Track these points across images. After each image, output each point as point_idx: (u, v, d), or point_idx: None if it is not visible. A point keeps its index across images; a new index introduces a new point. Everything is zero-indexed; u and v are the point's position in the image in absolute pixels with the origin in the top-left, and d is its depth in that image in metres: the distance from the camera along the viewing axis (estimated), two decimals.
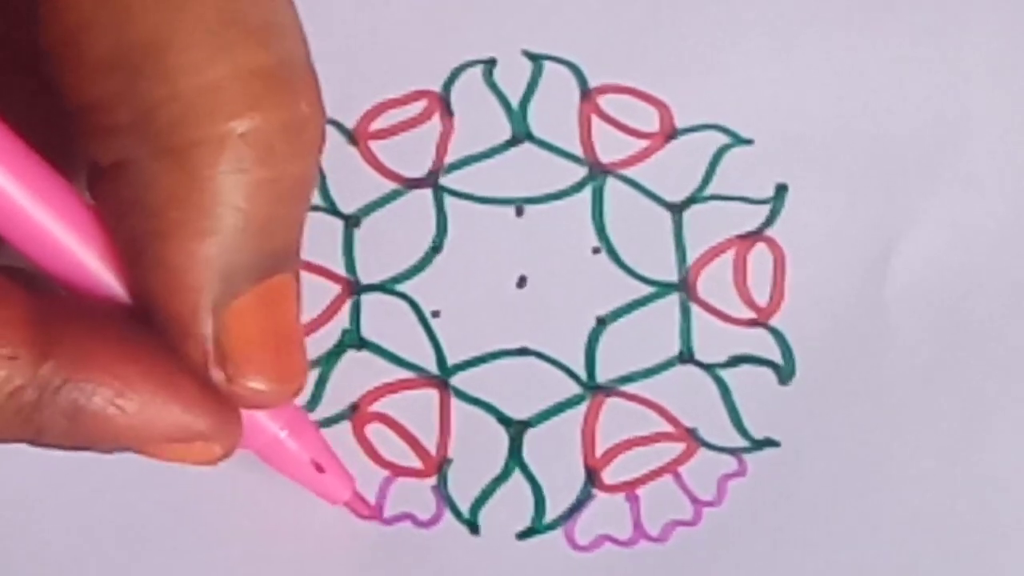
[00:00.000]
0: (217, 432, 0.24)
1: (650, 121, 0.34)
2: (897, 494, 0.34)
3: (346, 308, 0.34)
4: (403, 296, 0.34)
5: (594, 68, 0.34)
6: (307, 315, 0.34)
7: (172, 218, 0.22)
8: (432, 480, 0.34)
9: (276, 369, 0.24)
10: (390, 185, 0.34)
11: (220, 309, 0.23)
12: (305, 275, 0.34)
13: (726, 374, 0.34)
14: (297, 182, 0.23)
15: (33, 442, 0.24)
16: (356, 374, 0.34)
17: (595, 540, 0.34)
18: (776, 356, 0.34)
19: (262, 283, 0.23)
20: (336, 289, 0.34)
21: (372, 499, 0.34)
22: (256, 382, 0.24)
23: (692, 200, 0.34)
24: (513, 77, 0.34)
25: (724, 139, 0.34)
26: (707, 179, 0.34)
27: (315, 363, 0.34)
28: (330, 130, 0.34)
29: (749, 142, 0.34)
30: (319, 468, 0.30)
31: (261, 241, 0.23)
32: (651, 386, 0.34)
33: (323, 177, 0.34)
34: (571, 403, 0.34)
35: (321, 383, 0.34)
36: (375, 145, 0.34)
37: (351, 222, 0.34)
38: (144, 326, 0.23)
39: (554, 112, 0.34)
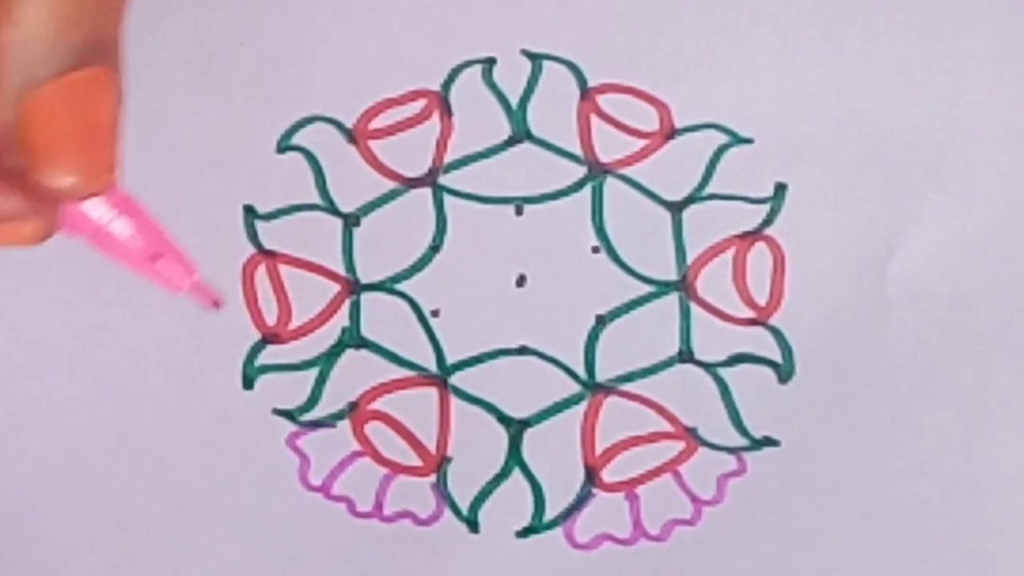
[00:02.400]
0: (28, 212, 0.24)
1: (649, 120, 0.34)
2: (896, 493, 0.34)
3: (345, 307, 0.34)
4: (402, 295, 0.34)
5: (593, 67, 0.34)
6: (307, 313, 0.34)
7: None
8: (432, 478, 0.34)
9: (78, 162, 0.23)
10: (389, 184, 0.34)
11: (21, 97, 0.22)
12: (305, 274, 0.34)
13: (726, 373, 0.34)
14: None
15: None
16: (356, 373, 0.34)
17: (595, 539, 0.34)
18: (776, 355, 0.34)
19: (68, 75, 0.23)
20: (335, 288, 0.34)
21: (372, 499, 0.34)
22: (55, 173, 0.23)
23: (691, 199, 0.34)
24: (512, 76, 0.34)
25: (723, 138, 0.34)
26: (706, 178, 0.34)
27: (314, 362, 0.34)
28: (330, 129, 0.34)
29: (749, 141, 0.34)
30: (155, 256, 0.29)
31: (67, 32, 0.23)
32: (651, 385, 0.34)
33: (323, 176, 0.34)
34: (571, 402, 0.34)
35: (321, 382, 0.34)
36: (375, 144, 0.34)
37: (350, 221, 0.34)
38: None
39: (553, 111, 0.34)
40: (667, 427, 0.34)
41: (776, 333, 0.34)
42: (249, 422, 0.34)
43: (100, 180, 0.24)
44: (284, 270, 0.34)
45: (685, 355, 0.34)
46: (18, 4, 0.22)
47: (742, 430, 0.34)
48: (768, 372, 0.34)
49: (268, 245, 0.34)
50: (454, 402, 0.34)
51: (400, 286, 0.34)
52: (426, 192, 0.34)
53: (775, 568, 0.34)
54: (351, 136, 0.34)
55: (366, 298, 0.34)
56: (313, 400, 0.34)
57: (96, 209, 0.27)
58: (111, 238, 0.29)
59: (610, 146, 0.34)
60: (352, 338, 0.34)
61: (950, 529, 0.33)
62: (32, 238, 0.25)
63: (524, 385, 0.34)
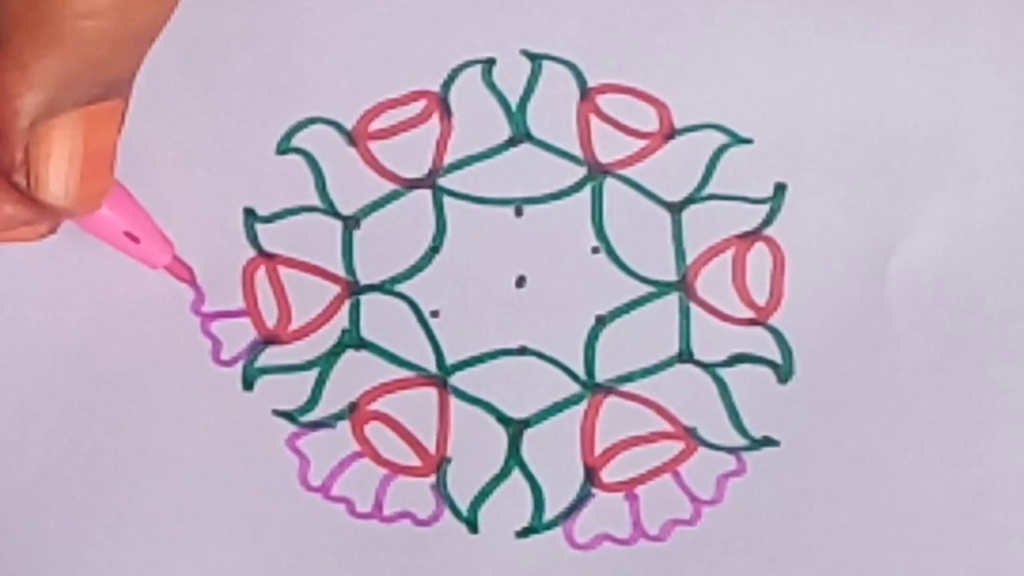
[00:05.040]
0: (36, 217, 0.26)
1: (649, 121, 0.34)
2: (896, 493, 0.34)
3: (345, 308, 0.34)
4: (402, 296, 0.34)
5: (593, 68, 0.34)
6: (306, 315, 0.34)
7: (14, 37, 0.23)
8: (431, 479, 0.34)
9: (75, 189, 0.25)
10: (389, 186, 0.34)
11: (38, 123, 0.24)
12: (304, 275, 0.34)
13: (725, 373, 0.34)
14: (147, 25, 0.24)
15: None
16: (355, 373, 0.34)
17: (594, 539, 0.34)
18: (775, 355, 0.34)
19: (84, 108, 0.24)
20: (335, 289, 0.34)
21: (372, 499, 0.34)
22: (54, 198, 0.25)
23: (691, 200, 0.34)
24: (512, 77, 0.34)
25: (723, 138, 0.34)
26: (706, 178, 0.34)
27: (314, 363, 0.34)
28: (329, 131, 0.34)
29: (748, 141, 0.34)
30: (134, 239, 0.32)
31: (97, 72, 0.24)
32: (650, 385, 0.34)
33: (322, 178, 0.34)
34: (570, 402, 0.34)
35: (320, 382, 0.34)
36: (374, 146, 0.34)
37: (350, 223, 0.34)
38: None
39: (553, 112, 0.34)
40: (667, 427, 0.34)
41: (776, 333, 0.34)
42: (249, 423, 0.34)
43: (95, 204, 0.26)
44: (284, 272, 0.34)
45: (685, 355, 0.34)
46: (51, 40, 0.23)
47: (742, 430, 0.34)
48: (768, 372, 0.34)
49: (268, 247, 0.34)
50: (454, 402, 0.34)
51: (400, 287, 0.34)
52: (426, 193, 0.34)
53: (775, 568, 0.34)
54: (351, 138, 0.34)
55: (366, 299, 0.34)
56: (313, 401, 0.34)
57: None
58: (100, 222, 0.31)
59: (610, 147, 0.34)
60: (352, 339, 0.34)
61: (951, 529, 0.34)
62: (41, 236, 0.28)
63: (524, 385, 0.34)
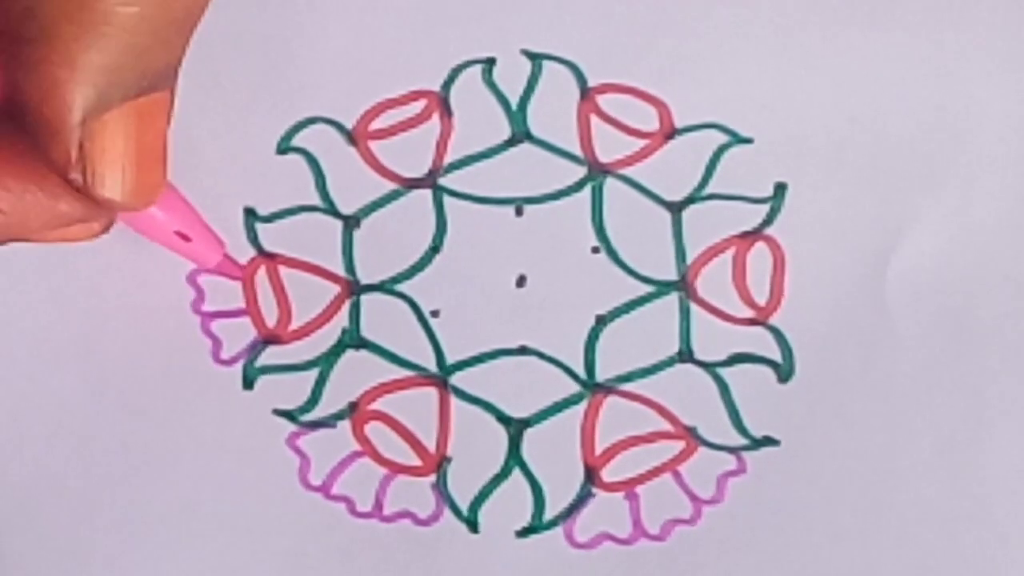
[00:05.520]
0: (92, 214, 0.26)
1: (649, 120, 0.34)
2: (897, 493, 0.34)
3: (345, 308, 0.34)
4: (402, 296, 0.34)
5: (593, 67, 0.34)
6: (307, 315, 0.34)
7: (60, 31, 0.23)
8: (431, 478, 0.34)
9: (132, 183, 0.25)
10: (389, 185, 0.34)
11: (90, 119, 0.24)
12: (305, 275, 0.34)
13: (725, 373, 0.34)
14: (187, 11, 0.24)
15: None
16: (355, 373, 0.34)
17: (594, 538, 0.34)
18: (776, 355, 0.34)
19: (134, 101, 0.24)
20: (336, 289, 0.34)
21: (372, 499, 0.34)
22: (111, 193, 0.25)
23: (691, 199, 0.34)
24: (512, 77, 0.34)
25: (723, 138, 0.34)
26: (706, 178, 0.34)
27: (315, 363, 0.34)
28: (329, 130, 0.34)
29: (748, 141, 0.34)
30: (186, 237, 0.32)
31: (143, 62, 0.24)
32: (650, 385, 0.34)
33: (323, 178, 0.34)
34: (570, 402, 0.34)
35: (321, 382, 0.34)
36: (374, 145, 0.34)
37: (351, 223, 0.34)
38: (12, 125, 0.24)
39: (553, 112, 0.34)
40: (667, 427, 0.34)
41: (776, 333, 0.34)
42: (249, 422, 0.34)
43: (152, 197, 0.26)
44: (284, 272, 0.34)
45: (685, 355, 0.34)
46: (96, 32, 0.23)
47: (742, 430, 0.34)
48: (768, 372, 0.34)
49: (268, 247, 0.34)
50: (454, 402, 0.34)
51: (400, 287, 0.34)
52: (426, 193, 0.34)
53: (775, 568, 0.34)
54: (351, 137, 0.34)
55: (366, 299, 0.34)
56: (313, 400, 0.34)
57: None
58: (152, 223, 0.31)
59: (610, 146, 0.34)
60: (352, 339, 0.34)
61: (951, 529, 0.34)
62: (95, 235, 0.28)
63: (524, 385, 0.34)
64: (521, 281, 0.34)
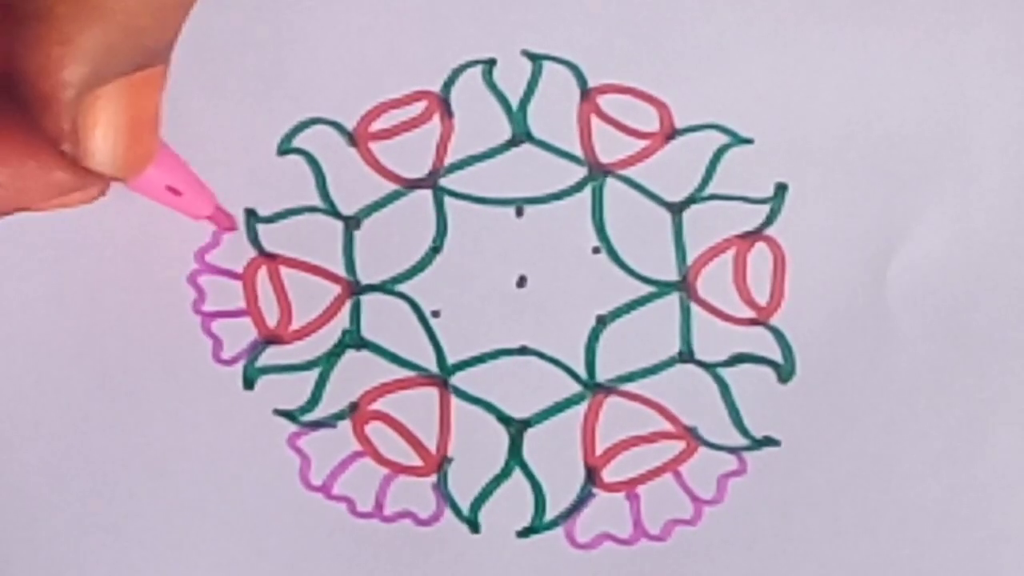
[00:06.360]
0: (85, 183, 0.26)
1: (650, 121, 0.34)
2: (897, 493, 0.34)
3: (346, 308, 0.34)
4: (403, 296, 0.34)
5: (594, 68, 0.34)
6: (307, 315, 0.34)
7: (58, 10, 0.23)
8: (432, 478, 0.34)
9: (123, 154, 0.25)
10: (390, 186, 0.34)
11: (84, 93, 0.24)
12: (305, 275, 0.34)
13: (726, 373, 0.34)
14: None
15: None
16: (356, 373, 0.34)
17: (595, 538, 0.34)
18: (776, 355, 0.34)
19: (128, 76, 0.25)
20: (336, 289, 0.34)
21: (372, 499, 0.34)
22: (102, 165, 0.25)
23: (692, 200, 0.34)
24: (513, 77, 0.34)
25: (724, 139, 0.34)
26: (707, 179, 0.34)
27: (315, 363, 0.34)
28: (330, 131, 0.34)
29: (749, 141, 0.34)
30: (177, 192, 0.32)
31: (138, 41, 0.24)
32: (651, 385, 0.34)
33: (323, 178, 0.34)
34: (571, 402, 0.34)
35: (321, 382, 0.34)
36: (375, 146, 0.34)
37: (351, 224, 0.34)
38: (9, 98, 0.24)
39: (554, 112, 0.34)
40: (667, 427, 0.34)
41: (776, 333, 0.34)
42: (250, 423, 0.34)
43: (142, 167, 0.26)
44: (285, 272, 0.34)
45: (685, 355, 0.34)
46: (97, 10, 0.23)
47: (742, 430, 0.34)
48: (768, 372, 0.34)
49: (269, 247, 0.34)
50: (455, 402, 0.34)
51: (401, 287, 0.34)
52: (427, 194, 0.34)
53: (775, 568, 0.34)
54: (352, 138, 0.34)
55: (367, 299, 0.34)
56: (314, 401, 0.34)
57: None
58: (143, 178, 0.30)
59: (610, 147, 0.34)
60: (353, 339, 0.34)
61: (951, 529, 0.34)
62: (93, 199, 0.29)
63: (524, 385, 0.34)
64: (521, 281, 0.34)
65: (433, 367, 0.34)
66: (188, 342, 0.34)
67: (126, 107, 0.25)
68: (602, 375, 0.34)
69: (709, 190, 0.34)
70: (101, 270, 0.34)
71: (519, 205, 0.34)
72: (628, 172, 0.34)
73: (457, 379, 0.34)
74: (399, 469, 0.34)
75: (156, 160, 0.30)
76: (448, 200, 0.34)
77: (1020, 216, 0.34)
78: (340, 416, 0.34)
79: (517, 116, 0.34)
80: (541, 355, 0.34)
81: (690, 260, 0.34)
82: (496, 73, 0.34)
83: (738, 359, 0.34)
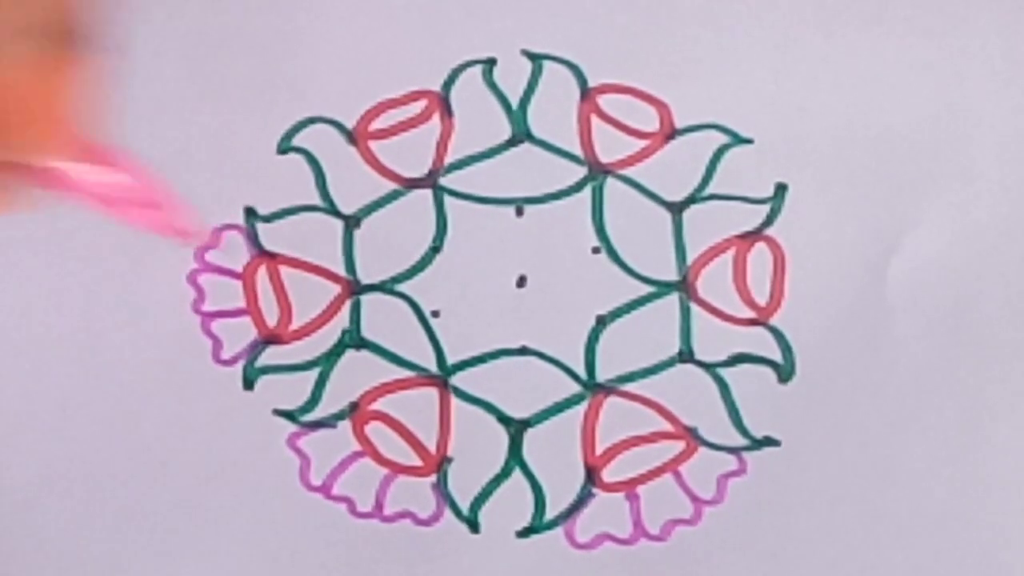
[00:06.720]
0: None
1: (650, 121, 0.34)
2: (896, 493, 0.34)
3: (346, 308, 0.34)
4: (403, 296, 0.34)
5: (594, 68, 0.34)
6: (307, 315, 0.34)
7: None
8: (432, 478, 0.34)
9: (31, 140, 0.24)
10: (390, 185, 0.34)
11: None
12: (305, 275, 0.34)
13: (726, 373, 0.34)
14: None
15: None
16: (356, 373, 0.34)
17: (595, 538, 0.34)
18: (776, 355, 0.34)
19: (32, 56, 0.23)
20: (336, 289, 0.34)
21: (372, 499, 0.34)
22: (8, 147, 0.24)
23: (692, 200, 0.34)
24: (513, 77, 0.34)
25: (724, 139, 0.34)
26: (707, 179, 0.34)
27: (315, 363, 0.34)
28: (330, 130, 0.34)
29: (749, 141, 0.34)
30: (143, 204, 0.29)
31: (35, 13, 0.23)
32: (651, 385, 0.34)
33: (323, 177, 0.34)
34: (571, 402, 0.34)
35: (321, 382, 0.34)
36: (375, 145, 0.34)
37: (351, 223, 0.34)
38: None
39: (554, 112, 0.34)
40: (667, 427, 0.34)
41: (776, 333, 0.34)
42: (250, 423, 0.34)
43: (46, 154, 0.25)
44: (285, 271, 0.34)
45: (685, 355, 0.34)
46: None
47: (742, 430, 0.34)
48: (768, 372, 0.34)
49: (269, 247, 0.34)
50: (454, 402, 0.34)
51: (400, 287, 0.34)
52: (426, 193, 0.34)
53: (775, 568, 0.34)
54: (351, 137, 0.34)
55: (366, 299, 0.34)
56: (314, 401, 0.34)
57: (75, 168, 0.27)
58: (95, 193, 0.28)
59: (610, 146, 0.34)
60: (353, 339, 0.34)
61: (951, 528, 0.34)
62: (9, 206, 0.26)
63: (524, 385, 0.34)
64: (521, 281, 0.34)
65: (433, 367, 0.34)
66: (188, 342, 0.34)
67: (34, 91, 0.24)
68: (602, 375, 0.34)
69: (709, 190, 0.34)
70: (101, 270, 0.34)
71: (519, 205, 0.34)
72: (628, 172, 0.34)
73: (457, 379, 0.34)
74: (399, 469, 0.34)
75: (97, 162, 0.29)
76: (448, 199, 0.34)
77: (1020, 216, 0.34)
78: (340, 416, 0.34)
79: (517, 115, 0.34)
80: (541, 355, 0.34)
81: (690, 260, 0.34)
82: (496, 72, 0.34)
83: (738, 359, 0.34)
